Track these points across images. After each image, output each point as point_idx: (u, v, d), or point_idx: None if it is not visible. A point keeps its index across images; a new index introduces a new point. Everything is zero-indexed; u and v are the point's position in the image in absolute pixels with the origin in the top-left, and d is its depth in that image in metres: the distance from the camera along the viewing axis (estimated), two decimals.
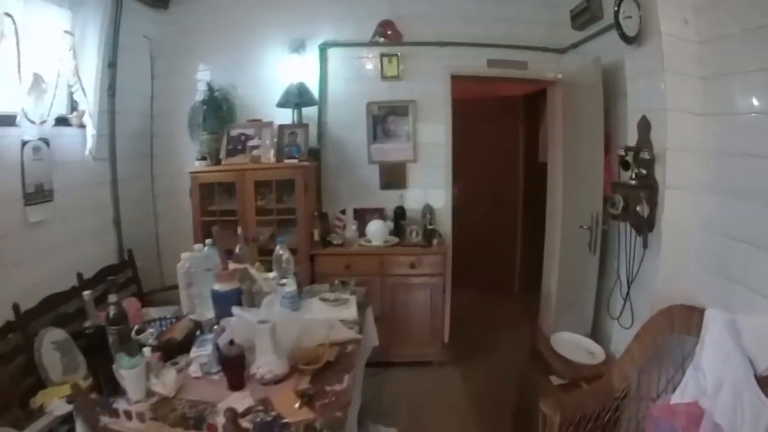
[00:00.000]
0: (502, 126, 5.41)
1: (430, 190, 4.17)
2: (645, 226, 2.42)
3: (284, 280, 2.48)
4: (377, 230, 3.82)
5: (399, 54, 4.08)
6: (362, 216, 4.10)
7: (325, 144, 4.23)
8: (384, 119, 4.16)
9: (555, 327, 3.97)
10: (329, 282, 2.98)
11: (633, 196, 2.44)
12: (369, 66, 4.17)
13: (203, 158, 3.82)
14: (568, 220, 3.93)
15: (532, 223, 5.31)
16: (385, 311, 3.72)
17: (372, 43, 4.12)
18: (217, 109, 4.05)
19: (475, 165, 5.51)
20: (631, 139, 2.59)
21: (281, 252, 2.64)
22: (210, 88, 4.08)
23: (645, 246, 2.45)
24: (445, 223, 4.17)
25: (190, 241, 3.20)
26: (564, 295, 4.02)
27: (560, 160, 4.12)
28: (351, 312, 2.60)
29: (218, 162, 3.85)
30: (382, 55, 4.10)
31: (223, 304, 2.15)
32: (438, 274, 3.77)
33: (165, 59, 4.27)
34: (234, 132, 3.96)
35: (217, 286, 2.22)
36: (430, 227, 3.90)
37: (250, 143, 3.91)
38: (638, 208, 2.39)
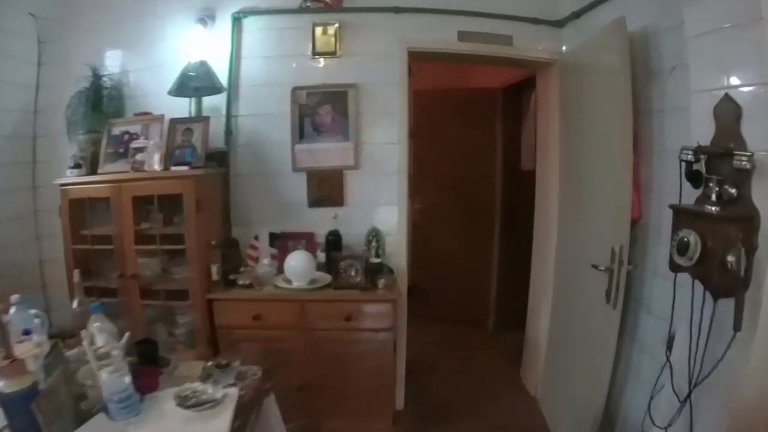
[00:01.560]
0: (475, 125, 4.34)
1: (378, 209, 3.05)
2: (737, 288, 1.35)
3: (107, 369, 1.45)
4: (300, 266, 2.68)
5: (337, 23, 2.98)
6: (284, 244, 2.98)
7: (234, 145, 3.09)
8: (314, 110, 3.02)
9: (545, 388, 3.19)
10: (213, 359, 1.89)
11: (716, 234, 1.37)
12: (297, 40, 3.04)
13: (77, 165, 2.79)
14: (568, 251, 2.87)
15: (512, 245, 4.29)
16: (311, 377, 2.66)
17: (302, 10, 3.01)
18: (99, 102, 2.94)
19: (441, 173, 4.46)
20: (700, 133, 1.53)
21: (95, 326, 1.51)
22: (95, 75, 2.97)
23: (737, 327, 1.37)
24: (397, 254, 3.05)
25: None
26: (558, 350, 2.97)
27: (554, 168, 3.08)
28: (220, 426, 1.47)
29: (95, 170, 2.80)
30: (315, 25, 2.99)
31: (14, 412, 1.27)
32: (385, 329, 2.64)
33: (55, 42, 3.12)
34: (116, 130, 2.87)
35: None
36: (376, 261, 2.78)
37: (134, 144, 2.80)
38: (729, 258, 1.32)
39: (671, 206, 1.61)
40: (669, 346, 1.79)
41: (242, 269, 2.83)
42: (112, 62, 3.10)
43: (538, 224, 3.38)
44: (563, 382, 2.84)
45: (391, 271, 2.87)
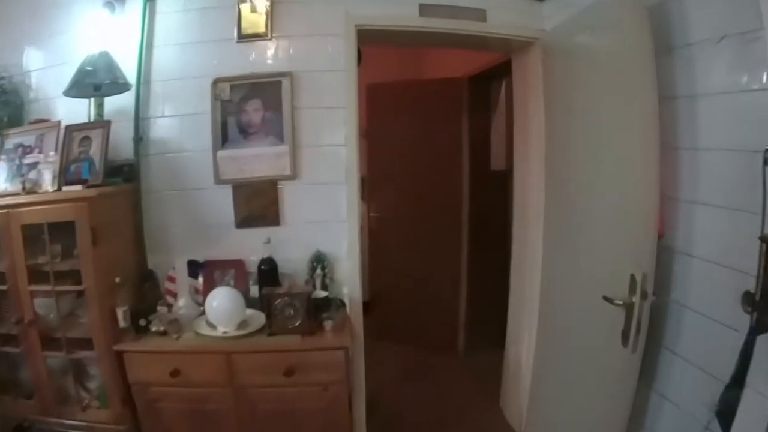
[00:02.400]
0: (438, 122, 3.78)
1: (323, 227, 2.45)
2: None
3: None
4: (224, 308, 2.07)
5: None
6: (209, 275, 2.37)
7: (146, 155, 2.46)
8: (240, 107, 2.41)
9: (533, 425, 2.68)
10: None
11: None
12: (219, 21, 2.43)
13: None
14: (561, 272, 2.37)
15: (483, 255, 3.78)
16: None
17: None
18: None
19: (400, 176, 3.90)
20: None
21: None
22: None
23: None
24: (350, 282, 2.47)
25: None
26: (550, 383, 2.49)
27: (537, 169, 2.57)
28: None
29: None
30: (240, 1, 2.38)
31: None
32: (337, 381, 2.05)
33: None
34: (11, 142, 2.25)
35: None
36: (322, 295, 2.19)
37: (27, 160, 2.19)
38: None
39: (763, 238, 1.09)
40: (723, 414, 1.30)
41: (159, 308, 2.18)
42: (9, 61, 2.48)
43: (517, 234, 2.87)
44: (559, 422, 2.33)
45: (342, 304, 2.29)
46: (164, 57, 2.45)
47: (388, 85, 3.91)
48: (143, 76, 2.42)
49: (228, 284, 2.34)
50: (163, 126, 2.46)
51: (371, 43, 2.60)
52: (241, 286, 2.31)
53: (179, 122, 2.45)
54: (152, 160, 2.45)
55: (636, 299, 1.67)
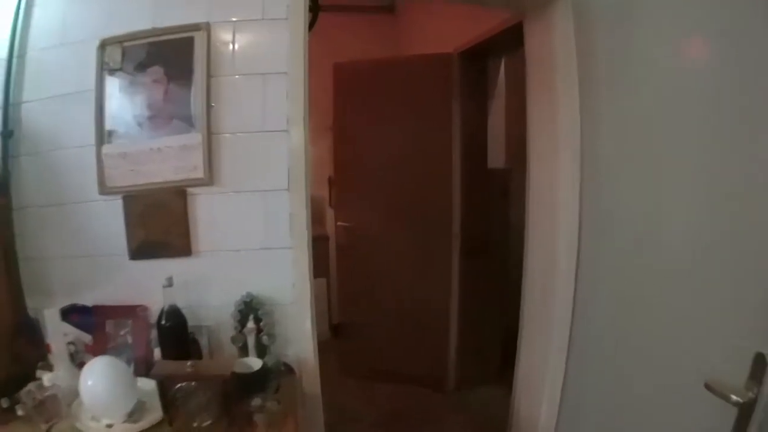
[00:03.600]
0: (422, 109, 3.04)
1: (257, 258, 1.67)
2: None
3: None
4: (103, 390, 1.31)
5: None
6: (100, 328, 1.62)
7: (17, 156, 1.69)
8: (135, 79, 1.64)
9: None
10: None
11: None
12: None
13: None
14: (611, 318, 1.66)
15: (478, 273, 3.07)
16: None
17: None
18: None
19: (376, 178, 3.15)
20: None
21: None
22: None
23: None
24: (299, 339, 1.70)
25: None
26: None
27: (567, 172, 1.82)
28: None
29: None
30: None
31: None
32: None
33: None
34: None
35: None
36: (254, 367, 1.43)
37: None
38: None
39: None
40: None
41: (39, 374, 1.41)
42: None
43: (534, 252, 2.13)
44: None
45: (289, 370, 1.54)
46: (44, 16, 1.68)
47: (360, 64, 3.16)
48: (20, 45, 1.65)
49: (124, 341, 1.59)
50: (40, 114, 1.67)
51: None
52: (141, 347, 1.56)
53: (60, 107, 1.67)
54: (25, 162, 1.67)
55: (764, 395, 0.98)
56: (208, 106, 1.57)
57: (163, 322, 1.48)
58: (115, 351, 1.57)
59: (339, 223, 3.25)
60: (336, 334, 3.80)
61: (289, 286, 1.64)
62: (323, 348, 3.38)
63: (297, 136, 1.61)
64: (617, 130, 1.59)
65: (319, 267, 3.94)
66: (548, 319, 1.97)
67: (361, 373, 3.38)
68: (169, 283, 1.47)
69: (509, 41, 2.55)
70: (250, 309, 1.53)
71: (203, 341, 1.62)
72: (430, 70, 3.01)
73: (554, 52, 1.85)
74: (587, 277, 1.76)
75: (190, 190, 1.60)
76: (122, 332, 1.61)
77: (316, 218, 4.22)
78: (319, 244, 3.85)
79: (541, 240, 2.02)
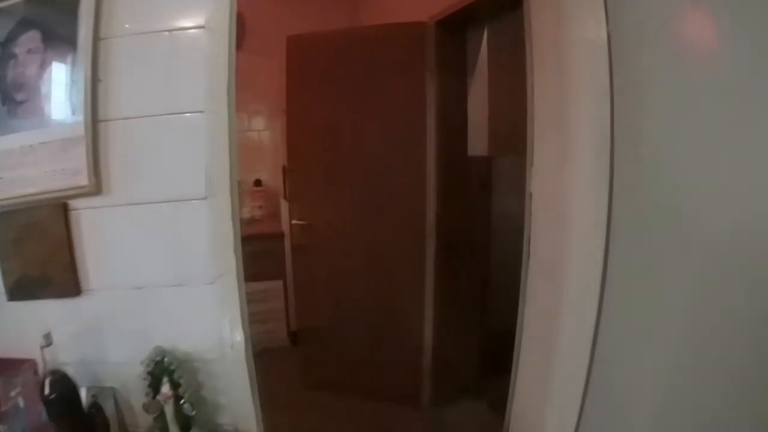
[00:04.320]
0: (392, 87, 2.60)
1: (169, 296, 1.19)
2: None
3: None
4: None
5: None
6: None
7: None
8: (6, 52, 1.15)
9: None
10: None
11: None
12: None
13: None
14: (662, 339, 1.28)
15: (456, 275, 2.72)
16: None
17: None
18: None
19: (338, 167, 2.73)
20: None
21: None
22: None
23: None
24: (237, 406, 1.24)
25: None
26: None
27: (585, 170, 1.42)
28: None
29: None
30: None
31: None
32: None
33: None
34: None
35: None
36: None
37: None
38: None
39: None
40: None
41: None
42: None
43: (540, 253, 1.74)
44: None
45: None
46: None
47: (318, 36, 2.69)
48: None
49: (15, 404, 1.13)
50: None
51: None
52: (34, 413, 1.11)
53: None
54: None
55: None
56: (94, 81, 1.08)
57: (46, 392, 1.03)
58: (7, 418, 1.12)
59: (294, 222, 2.80)
60: (295, 341, 3.40)
61: (215, 335, 1.18)
62: (281, 357, 2.97)
63: (219, 119, 1.14)
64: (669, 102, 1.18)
65: (275, 268, 3.52)
66: (556, 337, 1.59)
67: (325, 385, 2.98)
68: (48, 341, 1.02)
69: (493, 7, 2.14)
70: (162, 370, 1.09)
71: (108, 407, 1.17)
72: (400, 42, 2.57)
73: (560, 15, 1.43)
74: (617, 289, 1.37)
75: (72, 203, 1.13)
76: (12, 393, 1.15)
77: (271, 213, 3.75)
78: (273, 242, 3.44)
79: (548, 239, 1.63)
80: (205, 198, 1.12)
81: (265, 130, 3.89)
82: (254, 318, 3.46)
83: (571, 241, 1.44)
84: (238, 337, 1.15)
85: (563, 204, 1.44)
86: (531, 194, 1.58)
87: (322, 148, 2.73)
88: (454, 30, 2.55)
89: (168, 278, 1.14)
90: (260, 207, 3.79)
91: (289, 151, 2.80)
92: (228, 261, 1.14)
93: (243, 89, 1.18)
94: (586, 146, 1.35)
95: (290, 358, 3.22)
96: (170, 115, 1.11)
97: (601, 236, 1.32)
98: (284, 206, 3.34)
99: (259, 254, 3.44)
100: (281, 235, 3.36)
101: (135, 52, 1.11)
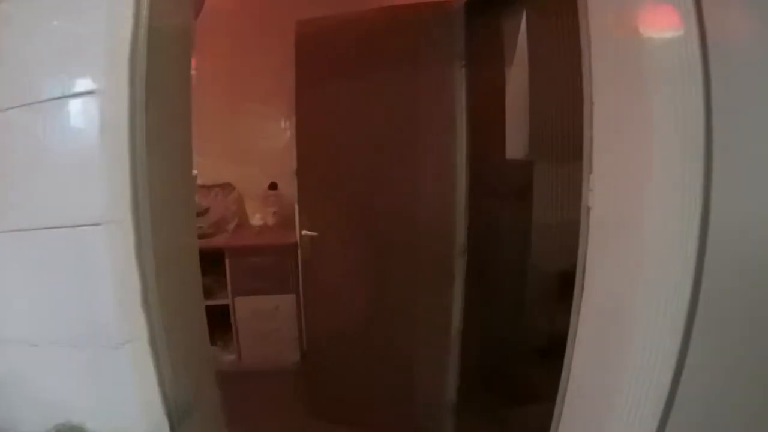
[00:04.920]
0: (415, 78, 2.25)
1: (68, 359, 0.83)
2: None
3: None
4: None
5: None
6: None
7: None
8: None
9: None
10: None
11: None
12: None
13: None
14: None
15: (488, 297, 2.37)
16: None
17: None
18: None
19: (353, 173, 2.39)
20: None
21: None
22: None
23: None
24: None
25: None
26: None
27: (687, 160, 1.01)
28: None
29: None
30: None
31: None
32: None
33: None
34: None
35: None
36: None
37: None
38: None
39: None
40: None
41: None
42: None
43: (598, 292, 1.34)
44: None
45: None
46: None
47: (330, 21, 2.36)
48: None
49: None
50: None
51: None
52: None
53: None
54: None
55: None
56: None
57: None
58: None
59: (304, 232, 2.48)
60: (306, 362, 3.09)
61: (137, 410, 0.84)
62: (290, 379, 2.65)
63: (116, 103, 0.78)
64: None
65: (288, 280, 3.20)
66: (614, 400, 1.19)
67: (334, 416, 2.65)
68: None
69: None
70: None
71: None
72: (425, 26, 2.21)
73: None
74: (702, 351, 0.98)
75: None
76: None
77: (286, 219, 3.44)
78: (286, 252, 3.13)
79: (610, 271, 1.24)
80: (103, 224, 0.77)
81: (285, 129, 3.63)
82: (263, 335, 3.14)
83: (644, 278, 1.04)
84: (158, 419, 0.82)
85: (634, 227, 1.05)
86: (588, 209, 1.19)
87: (335, 150, 2.40)
88: (488, 12, 2.17)
89: (62, 336, 0.81)
90: (274, 213, 3.51)
91: (299, 152, 2.47)
92: (135, 320, 0.79)
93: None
94: (670, 158, 0.95)
95: (300, 381, 2.93)
96: (45, 104, 0.76)
97: (687, 278, 0.94)
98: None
99: (269, 266, 3.14)
100: (294, 245, 3.05)
101: None
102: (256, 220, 3.52)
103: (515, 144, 2.25)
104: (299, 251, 2.89)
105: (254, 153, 3.70)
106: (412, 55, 2.19)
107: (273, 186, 3.52)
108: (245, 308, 3.22)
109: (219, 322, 3.07)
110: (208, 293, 3.43)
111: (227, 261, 3.17)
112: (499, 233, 2.35)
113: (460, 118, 2.18)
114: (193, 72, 1.16)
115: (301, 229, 2.50)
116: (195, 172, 3.34)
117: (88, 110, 0.74)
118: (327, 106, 2.38)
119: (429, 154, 2.28)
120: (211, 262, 3.05)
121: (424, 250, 2.33)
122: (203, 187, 3.60)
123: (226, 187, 3.68)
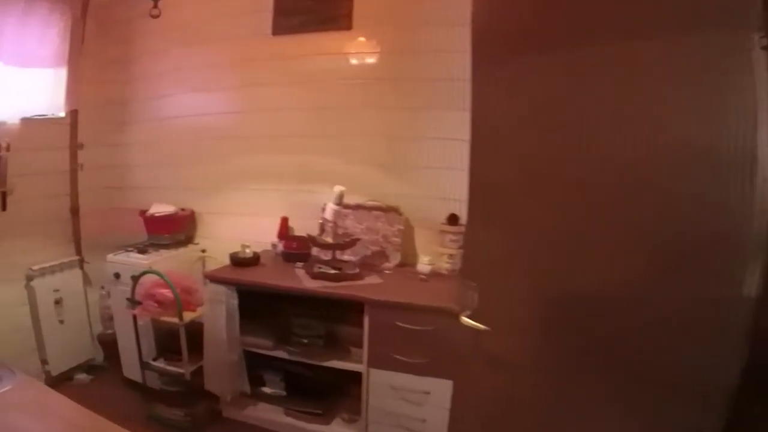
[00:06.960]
0: (673, 65, 1.36)
1: None
2: None
3: None
4: None
5: None
6: None
7: None
8: None
9: None
10: None
11: None
12: None
13: None
14: None
15: None
16: None
17: None
18: None
19: (563, 224, 1.53)
20: None
21: None
22: None
23: None
24: None
25: None
26: None
27: None
28: None
29: None
30: None
31: None
32: None
33: None
34: None
35: None
36: None
37: None
38: None
39: None
40: None
41: None
42: None
43: None
44: None
45: None
46: None
47: None
48: None
49: None
50: None
51: None
52: None
53: None
54: None
55: None
56: None
57: None
58: None
59: (465, 320, 1.64)
60: None
61: None
62: None
63: None
64: None
65: (441, 361, 2.36)
66: None
67: None
68: None
69: None
70: None
71: None
72: None
73: None
74: None
75: None
76: None
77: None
78: (441, 322, 2.06)
79: None
80: None
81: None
82: (402, 425, 2.29)
83: None
84: None
85: None
86: None
87: (535, 180, 1.57)
88: None
89: None
90: (450, 257, 2.63)
91: (473, 181, 1.70)
92: None
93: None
94: None
95: None
96: None
97: None
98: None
99: (428, 335, 2.34)
100: (453, 315, 2.23)
101: None
102: (423, 264, 2.67)
103: None
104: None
105: (434, 171, 2.83)
106: (674, 21, 1.31)
107: (453, 219, 2.65)
108: (383, 383, 2.49)
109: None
110: (335, 349, 2.73)
111: (366, 317, 2.47)
112: None
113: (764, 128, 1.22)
114: None
115: (459, 311, 1.66)
116: (341, 188, 2.69)
117: None
118: (520, 111, 1.58)
119: (688, 186, 1.35)
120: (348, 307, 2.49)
121: (689, 346, 1.35)
122: (357, 207, 2.83)
123: (390, 211, 2.84)
